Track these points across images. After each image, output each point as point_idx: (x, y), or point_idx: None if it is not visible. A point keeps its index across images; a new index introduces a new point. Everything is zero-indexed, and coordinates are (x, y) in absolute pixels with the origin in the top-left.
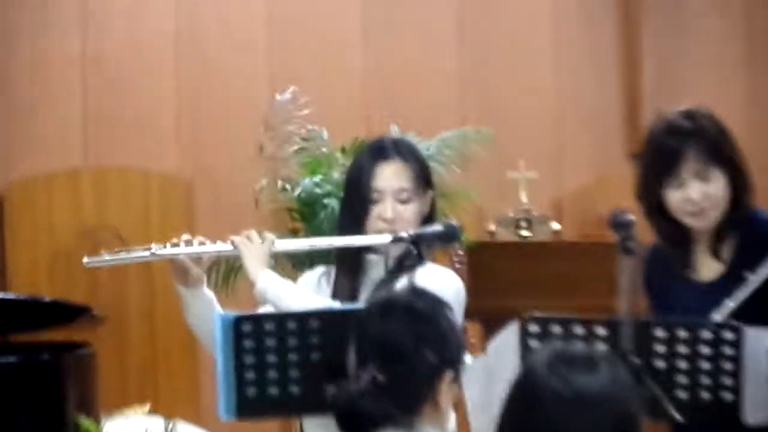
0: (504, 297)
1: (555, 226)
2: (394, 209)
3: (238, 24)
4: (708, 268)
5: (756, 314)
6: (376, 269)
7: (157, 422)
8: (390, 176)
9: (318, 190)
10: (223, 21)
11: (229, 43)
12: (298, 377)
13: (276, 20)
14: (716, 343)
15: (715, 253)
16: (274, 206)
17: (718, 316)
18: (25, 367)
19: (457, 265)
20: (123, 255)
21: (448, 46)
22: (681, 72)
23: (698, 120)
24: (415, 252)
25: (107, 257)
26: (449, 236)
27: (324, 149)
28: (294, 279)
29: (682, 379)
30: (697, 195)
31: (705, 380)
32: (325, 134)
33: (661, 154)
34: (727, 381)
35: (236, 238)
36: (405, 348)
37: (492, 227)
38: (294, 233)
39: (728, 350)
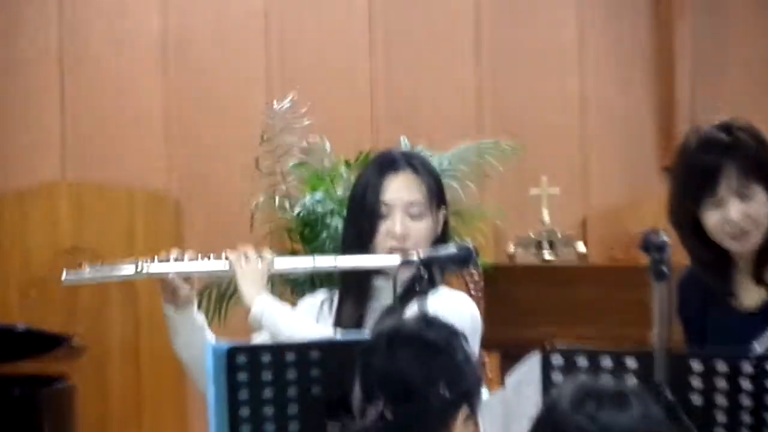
0: (524, 326)
1: (580, 247)
2: (404, 224)
3: (232, 23)
4: (749, 295)
5: None
6: (383, 295)
7: None
8: (400, 188)
9: (320, 209)
10: (216, 19)
11: (222, 45)
12: (298, 414)
13: (274, 20)
14: (759, 377)
15: (758, 279)
16: (272, 226)
17: (760, 347)
18: None
19: (473, 291)
20: (106, 271)
21: (463, 51)
22: (720, 77)
23: (736, 132)
24: (426, 276)
25: (88, 273)
26: (464, 259)
27: (326, 163)
28: (292, 304)
29: (721, 417)
30: (737, 215)
31: (746, 418)
32: (328, 146)
33: (696, 172)
34: None
35: (232, 255)
36: (415, 382)
37: (511, 249)
38: (293, 255)
39: None
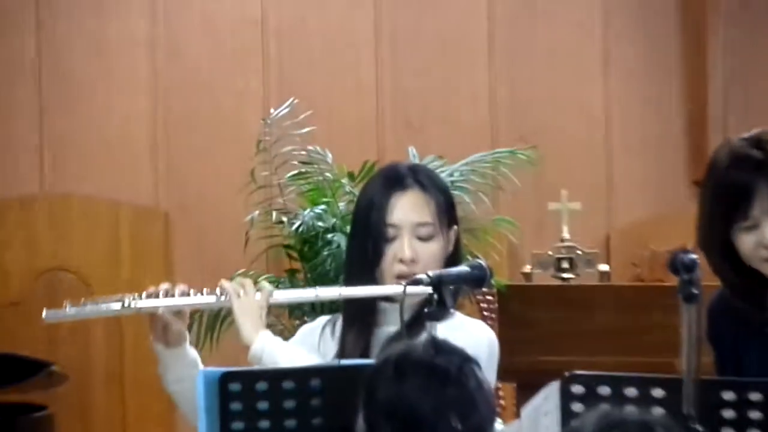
0: (542, 351)
1: (603, 267)
2: (412, 247)
3: (226, 27)
4: None
5: None
6: (390, 319)
7: None
8: (407, 208)
9: (320, 224)
10: (209, 23)
11: (215, 50)
12: None
13: (272, 22)
14: None
15: None
16: (268, 243)
17: None
18: None
19: (486, 313)
20: (90, 308)
21: (477, 57)
22: (756, 88)
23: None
24: (436, 298)
25: (71, 310)
26: (477, 279)
27: (328, 174)
28: (291, 329)
29: None
30: None
31: None
32: (330, 156)
33: (727, 191)
34: None
35: (228, 286)
36: (424, 413)
37: (528, 268)
38: (292, 274)
39: None
